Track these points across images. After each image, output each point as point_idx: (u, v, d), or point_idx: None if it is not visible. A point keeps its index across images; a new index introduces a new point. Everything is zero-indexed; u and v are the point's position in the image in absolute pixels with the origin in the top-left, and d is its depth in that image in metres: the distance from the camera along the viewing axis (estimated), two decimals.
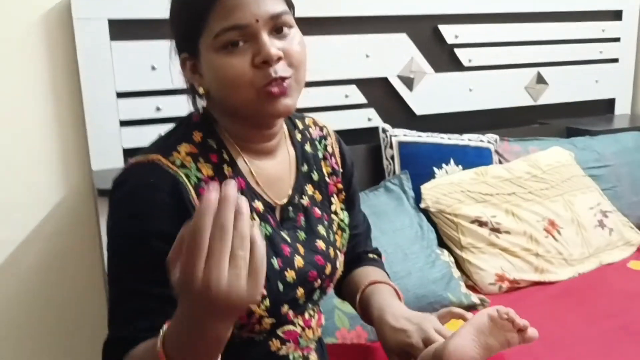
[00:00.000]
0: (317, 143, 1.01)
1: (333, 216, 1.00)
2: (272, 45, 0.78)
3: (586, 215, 1.81)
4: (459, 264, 1.66)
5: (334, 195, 1.01)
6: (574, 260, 1.72)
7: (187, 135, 0.85)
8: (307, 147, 0.99)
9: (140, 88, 1.66)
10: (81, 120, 1.64)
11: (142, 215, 0.78)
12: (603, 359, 1.29)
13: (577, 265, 1.72)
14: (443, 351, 0.87)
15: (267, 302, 0.84)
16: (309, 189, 0.96)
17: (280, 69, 0.79)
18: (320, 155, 1.00)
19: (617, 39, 2.38)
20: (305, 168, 0.96)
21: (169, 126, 1.72)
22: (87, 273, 1.75)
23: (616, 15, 2.37)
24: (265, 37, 0.79)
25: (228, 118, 0.86)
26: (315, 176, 0.98)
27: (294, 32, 0.83)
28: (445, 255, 1.63)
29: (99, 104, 1.62)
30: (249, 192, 0.86)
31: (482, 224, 1.68)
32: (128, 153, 1.67)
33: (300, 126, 1.00)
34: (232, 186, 0.59)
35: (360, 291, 1.03)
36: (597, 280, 1.68)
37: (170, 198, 0.78)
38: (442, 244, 1.69)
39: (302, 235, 0.93)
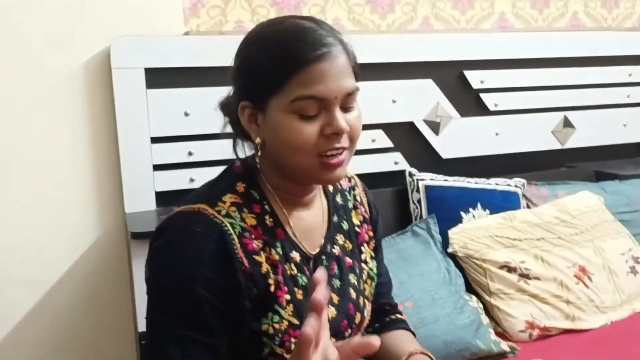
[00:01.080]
0: (346, 194, 1.03)
1: (363, 265, 1.01)
2: (343, 119, 0.82)
3: (617, 261, 1.78)
4: (488, 310, 1.64)
5: (364, 244, 1.03)
6: (606, 308, 1.69)
7: (232, 186, 0.88)
8: (338, 198, 1.01)
9: (174, 133, 1.72)
10: (117, 164, 1.70)
11: (188, 262, 0.80)
12: None
13: (610, 312, 1.69)
14: None
15: None
16: (340, 238, 0.98)
17: (343, 141, 0.83)
18: (350, 205, 1.03)
19: None
20: (336, 218, 0.99)
21: (201, 170, 1.77)
22: (119, 313, 1.78)
23: None
24: (338, 111, 0.82)
25: (274, 171, 0.88)
26: (345, 226, 1.00)
27: (357, 107, 0.87)
28: (473, 301, 1.62)
29: (134, 149, 1.68)
30: (287, 242, 0.88)
31: (510, 269, 1.66)
32: (160, 196, 1.72)
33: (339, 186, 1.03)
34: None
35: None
36: (630, 328, 1.64)
37: (217, 246, 0.81)
38: (470, 289, 1.68)
39: (337, 283, 0.94)
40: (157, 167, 1.72)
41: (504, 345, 1.52)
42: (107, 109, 1.70)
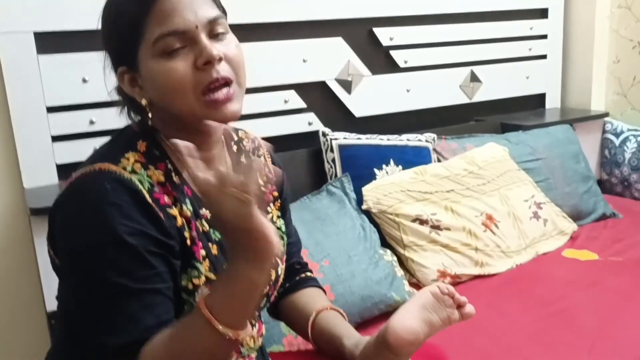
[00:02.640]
0: (250, 155, 1.02)
1: None
2: (213, 47, 0.79)
3: (521, 207, 1.88)
4: (402, 262, 1.70)
5: (271, 205, 1.02)
6: (512, 252, 1.79)
7: (132, 145, 0.84)
8: (243, 159, 0.99)
9: (72, 102, 1.62)
10: (10, 137, 1.58)
11: (110, 218, 0.75)
12: (540, 344, 1.34)
13: (515, 256, 1.79)
14: (387, 327, 0.89)
15: None
16: None
17: (222, 69, 0.80)
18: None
19: (544, 36, 2.49)
20: None
21: (105, 139, 1.69)
22: (24, 292, 1.69)
23: (542, 13, 2.47)
24: (205, 39, 0.80)
25: (170, 127, 0.86)
26: None
27: (230, 37, 0.85)
28: (388, 255, 1.66)
29: (29, 120, 1.57)
30: (195, 199, 0.86)
31: (423, 222, 1.72)
32: (62, 169, 1.63)
33: (235, 138, 1.01)
34: None
35: (312, 318, 1.03)
36: (534, 270, 1.74)
37: (130, 198, 0.77)
38: (385, 244, 1.72)
39: None
40: (56, 139, 1.62)
41: None
42: None
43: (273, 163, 1.06)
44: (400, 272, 1.63)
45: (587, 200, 2.14)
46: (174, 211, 0.82)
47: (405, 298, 1.54)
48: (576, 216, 2.06)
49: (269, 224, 0.73)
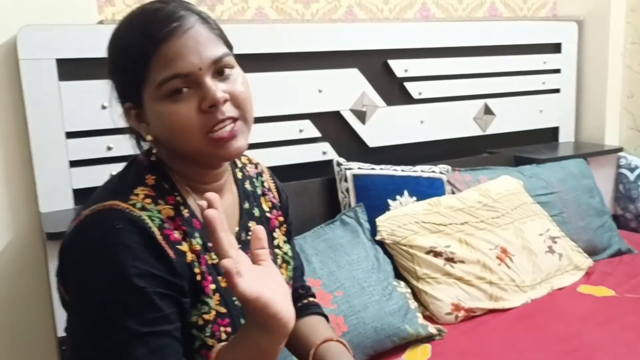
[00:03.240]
0: (254, 180, 1.02)
1: (277, 250, 1.01)
2: (218, 89, 0.79)
3: (536, 241, 1.87)
4: (416, 294, 1.68)
5: (276, 230, 1.02)
6: (526, 287, 1.76)
7: (141, 179, 0.84)
8: (247, 185, 1.00)
9: (90, 127, 1.64)
10: (28, 162, 1.60)
11: (119, 260, 0.75)
12: None
13: (530, 291, 1.77)
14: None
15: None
16: (252, 225, 0.96)
17: (228, 110, 0.80)
18: (259, 191, 1.02)
19: (557, 70, 2.50)
20: (247, 205, 0.97)
21: (120, 165, 1.70)
22: (37, 318, 1.69)
23: (556, 47, 2.49)
24: (209, 81, 0.79)
25: (178, 161, 0.86)
26: (256, 212, 0.99)
27: (237, 73, 0.84)
28: (402, 287, 1.65)
29: (48, 145, 1.59)
30: (204, 232, 0.86)
31: (437, 254, 1.70)
32: (78, 194, 1.64)
33: (239, 164, 1.02)
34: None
35: (314, 349, 1.00)
36: (548, 305, 1.72)
37: (140, 238, 0.77)
38: (398, 275, 1.71)
39: None
40: (74, 164, 1.63)
41: (431, 328, 1.56)
42: (15, 103, 1.59)
43: (277, 188, 1.06)
44: (414, 304, 1.61)
45: (602, 235, 2.12)
46: (184, 247, 0.82)
47: (418, 331, 1.52)
48: (591, 251, 2.04)
49: (281, 301, 0.73)
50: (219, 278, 0.86)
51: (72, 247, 0.80)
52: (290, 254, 1.04)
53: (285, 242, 1.04)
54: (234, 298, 0.85)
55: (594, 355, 1.42)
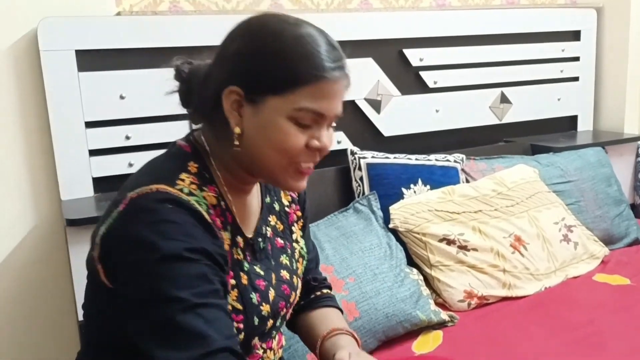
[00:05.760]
0: None
1: (295, 245, 1.03)
2: (330, 141, 0.85)
3: (551, 230, 1.86)
4: (428, 282, 1.69)
5: (295, 224, 1.04)
6: (541, 275, 1.76)
7: (184, 166, 0.85)
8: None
9: (109, 117, 1.68)
10: (50, 151, 1.65)
11: (170, 235, 0.76)
12: None
13: (544, 279, 1.76)
14: None
15: (241, 336, 0.86)
16: (272, 219, 0.99)
17: (318, 156, 0.86)
18: None
19: (576, 59, 2.47)
20: (268, 199, 1.00)
21: (139, 154, 1.73)
22: (59, 303, 1.74)
23: (575, 35, 2.46)
24: (328, 130, 0.85)
25: (229, 157, 0.87)
26: (276, 206, 1.01)
27: (332, 129, 0.89)
28: (414, 274, 1.66)
29: (68, 134, 1.64)
30: (234, 226, 0.88)
31: (450, 242, 1.71)
32: (98, 182, 1.68)
33: None
34: None
35: (321, 339, 1.01)
36: (562, 293, 1.72)
37: (192, 218, 0.79)
38: (411, 263, 1.72)
39: (271, 264, 0.95)
40: (93, 153, 1.68)
41: (444, 315, 1.57)
42: (37, 94, 1.64)
43: None
44: (426, 291, 1.62)
45: (619, 224, 2.10)
46: (224, 235, 0.85)
47: (430, 317, 1.53)
48: (608, 240, 2.03)
49: None
50: (241, 274, 0.88)
51: (120, 230, 0.79)
52: (305, 249, 1.06)
53: (301, 237, 1.05)
54: (252, 295, 0.88)
55: (606, 342, 1.42)
